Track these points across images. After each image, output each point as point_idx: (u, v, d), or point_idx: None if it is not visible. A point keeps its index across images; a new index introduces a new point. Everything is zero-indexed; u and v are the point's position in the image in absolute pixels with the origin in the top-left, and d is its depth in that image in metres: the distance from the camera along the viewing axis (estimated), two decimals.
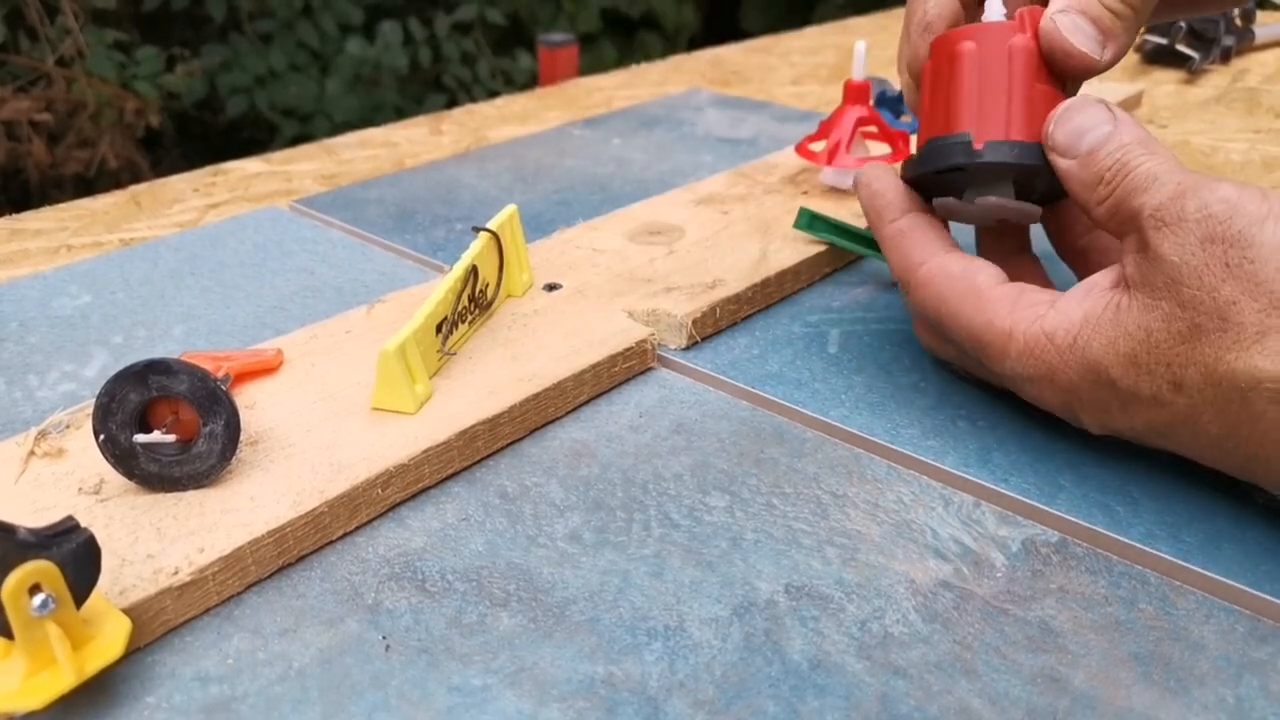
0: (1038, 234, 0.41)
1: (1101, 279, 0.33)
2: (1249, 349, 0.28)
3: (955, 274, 0.35)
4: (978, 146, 0.35)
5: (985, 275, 0.35)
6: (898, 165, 0.40)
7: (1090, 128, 0.33)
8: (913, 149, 0.55)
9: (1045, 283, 0.39)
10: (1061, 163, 0.34)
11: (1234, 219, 0.28)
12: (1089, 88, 0.60)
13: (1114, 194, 0.32)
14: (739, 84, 0.87)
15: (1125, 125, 0.33)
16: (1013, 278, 0.36)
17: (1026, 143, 0.35)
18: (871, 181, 0.39)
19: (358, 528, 0.32)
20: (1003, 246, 0.40)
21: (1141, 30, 0.91)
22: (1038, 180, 0.36)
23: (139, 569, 0.28)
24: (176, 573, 0.28)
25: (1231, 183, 0.29)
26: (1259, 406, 0.28)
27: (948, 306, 0.35)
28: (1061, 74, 0.36)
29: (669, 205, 0.53)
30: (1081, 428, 0.34)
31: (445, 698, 0.26)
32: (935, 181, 0.38)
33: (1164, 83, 0.86)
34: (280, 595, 0.29)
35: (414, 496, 0.33)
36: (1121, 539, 0.31)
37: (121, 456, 0.30)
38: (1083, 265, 0.39)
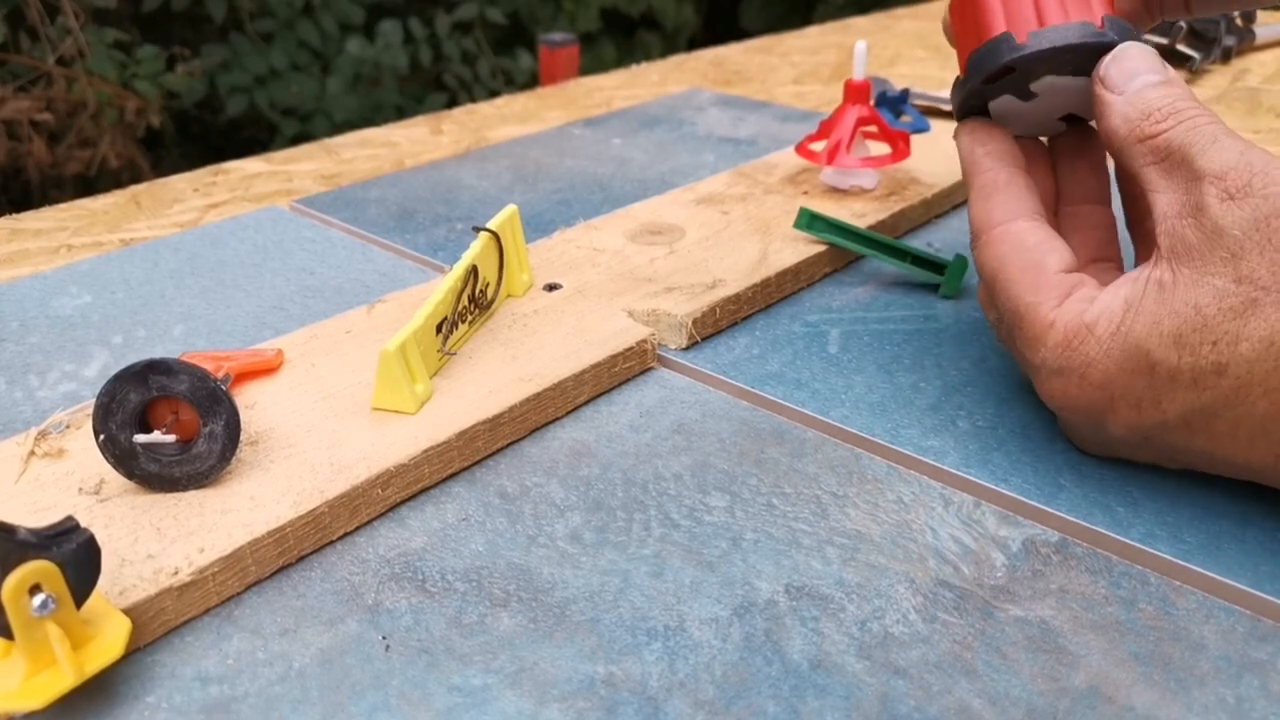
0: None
1: (1141, 268, 0.32)
2: None
3: (1028, 244, 0.34)
4: (1021, 40, 0.35)
5: (1055, 256, 0.34)
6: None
7: (1143, 71, 0.33)
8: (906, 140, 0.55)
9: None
10: (1106, 95, 0.33)
11: None
12: None
13: (1166, 135, 0.31)
14: (739, 84, 0.87)
15: (1177, 80, 0.33)
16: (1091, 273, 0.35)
17: (1070, 23, 0.34)
18: (976, 129, 0.38)
19: (358, 528, 0.32)
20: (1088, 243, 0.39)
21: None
22: (1090, 66, 0.35)
23: (139, 569, 0.28)
24: (176, 573, 0.28)
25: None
26: None
27: (1006, 273, 0.34)
28: None
29: (669, 205, 0.53)
30: (1096, 440, 0.33)
31: (445, 698, 0.26)
32: (987, 97, 0.37)
33: None
34: (280, 595, 0.29)
35: (414, 496, 0.33)
36: (1122, 539, 0.31)
37: (121, 456, 0.30)
38: (1146, 247, 0.37)
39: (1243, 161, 0.29)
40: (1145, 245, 0.37)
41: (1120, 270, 0.38)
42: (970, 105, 0.38)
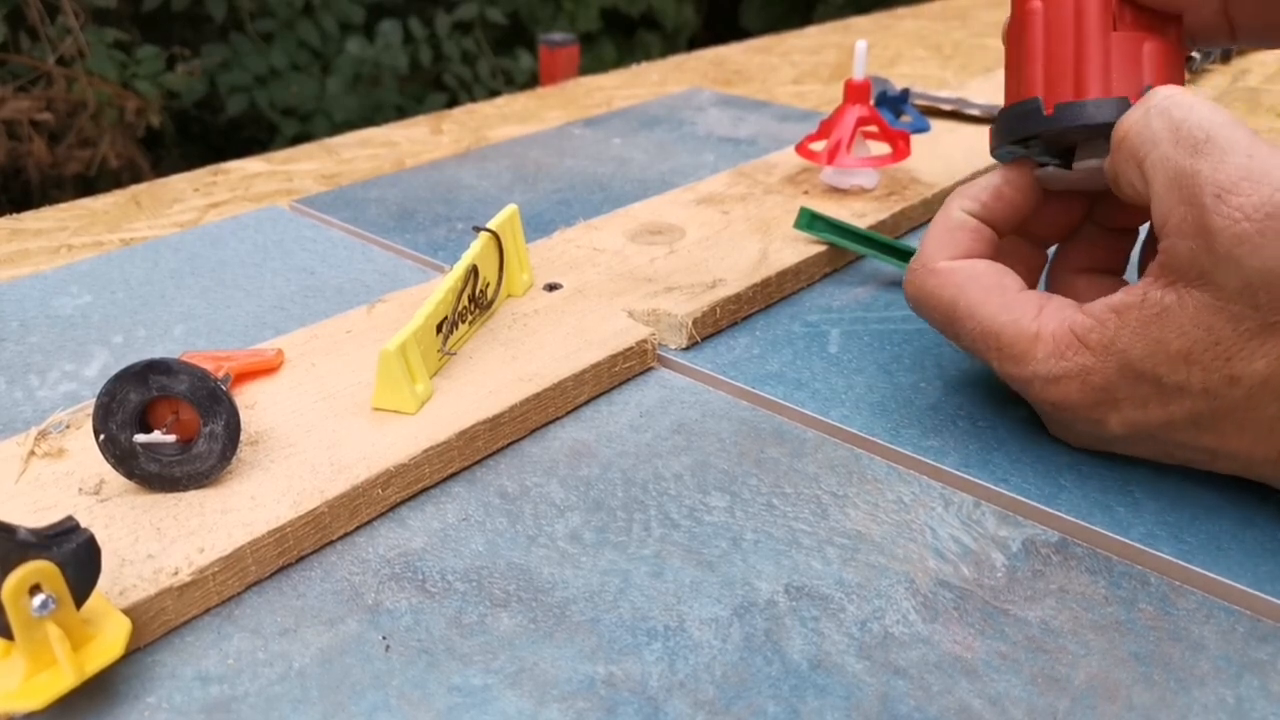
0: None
1: (1142, 285, 0.31)
2: None
3: (980, 271, 0.34)
4: (1048, 112, 0.34)
5: (1012, 279, 0.34)
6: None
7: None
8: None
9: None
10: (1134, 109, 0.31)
11: None
12: None
13: (1144, 116, 0.30)
14: (740, 83, 0.87)
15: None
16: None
17: (1102, 100, 0.33)
18: (1011, 182, 0.36)
19: (358, 528, 0.32)
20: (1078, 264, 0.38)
21: None
22: None
23: (139, 569, 0.28)
24: (177, 573, 0.28)
25: None
26: None
27: (967, 299, 0.34)
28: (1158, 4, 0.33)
29: (669, 205, 0.53)
30: (1091, 435, 0.33)
31: (445, 698, 0.26)
32: (1028, 149, 0.36)
33: None
34: (280, 595, 0.29)
35: (414, 496, 0.33)
36: (1122, 539, 0.31)
37: (122, 456, 0.30)
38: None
39: (1254, 170, 0.27)
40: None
41: (1117, 279, 0.37)
42: (1008, 150, 0.37)
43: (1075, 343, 0.31)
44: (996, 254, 0.36)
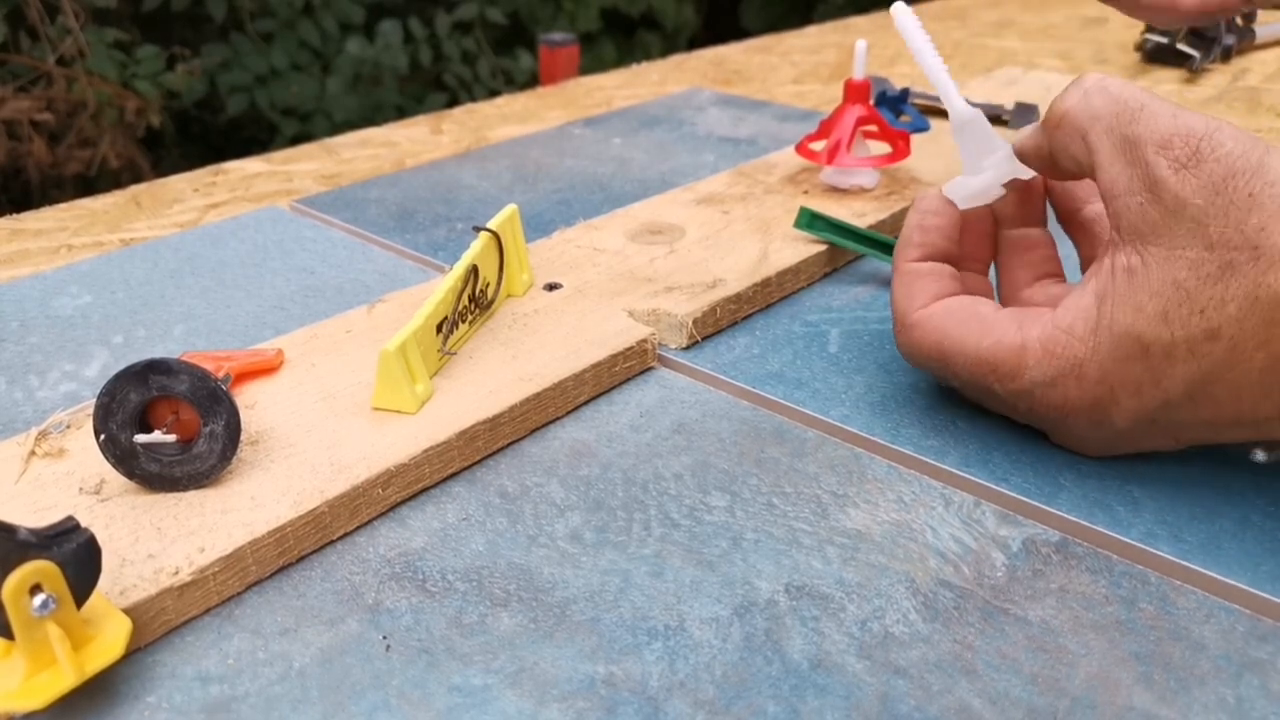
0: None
1: (1101, 259, 0.32)
2: None
3: (954, 307, 0.35)
4: None
5: (986, 305, 0.35)
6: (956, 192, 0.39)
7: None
8: (911, 147, 0.55)
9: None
10: (1060, 98, 0.34)
11: (1249, 152, 0.29)
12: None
13: (1084, 99, 0.32)
14: (740, 83, 0.87)
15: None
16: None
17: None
18: (928, 211, 0.38)
19: (358, 527, 0.32)
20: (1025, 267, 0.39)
21: (1143, 30, 0.92)
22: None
23: (139, 569, 0.28)
24: (177, 573, 0.28)
25: (1216, 120, 0.30)
26: None
27: (950, 338, 0.34)
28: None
29: (669, 205, 0.53)
30: (1099, 439, 0.33)
31: (445, 698, 0.26)
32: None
33: (1165, 82, 0.86)
34: (280, 595, 0.29)
35: (414, 496, 0.33)
36: (1122, 539, 0.31)
37: (122, 456, 0.30)
38: (1086, 237, 0.38)
39: (1183, 127, 0.30)
40: (1085, 236, 0.37)
41: (1064, 282, 0.38)
42: None
43: (1062, 337, 0.32)
44: (963, 287, 0.37)
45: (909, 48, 0.41)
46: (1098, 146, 0.32)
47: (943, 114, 0.69)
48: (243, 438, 0.33)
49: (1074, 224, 0.38)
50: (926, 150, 0.59)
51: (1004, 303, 0.39)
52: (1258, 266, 0.28)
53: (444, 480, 0.34)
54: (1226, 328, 0.29)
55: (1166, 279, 0.30)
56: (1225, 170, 0.29)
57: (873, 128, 0.53)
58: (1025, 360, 0.33)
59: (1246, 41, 0.92)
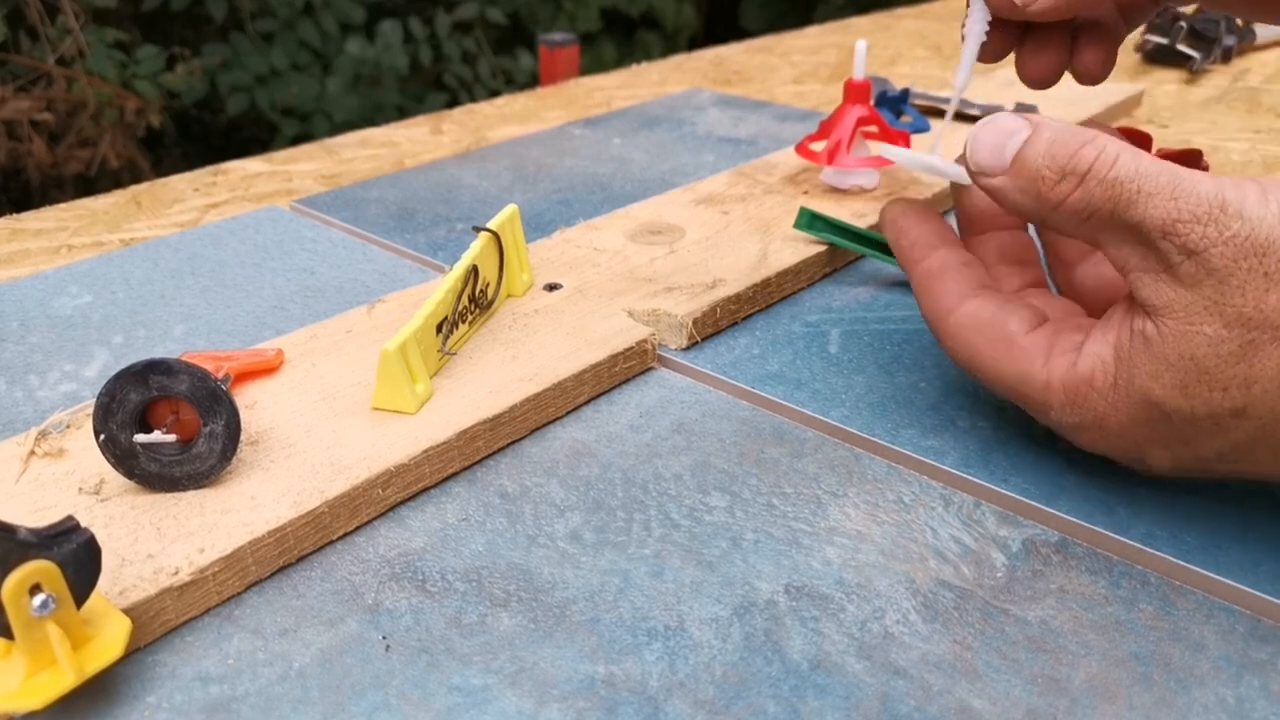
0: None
1: (1119, 305, 0.31)
2: None
3: (984, 321, 0.33)
4: None
5: (1016, 320, 0.33)
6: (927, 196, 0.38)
7: (1010, 133, 0.31)
8: (912, 148, 0.55)
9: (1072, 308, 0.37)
10: (992, 183, 0.31)
11: (1257, 229, 0.27)
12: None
13: (1076, 197, 0.30)
14: (740, 83, 0.87)
15: (1044, 122, 0.31)
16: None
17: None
18: (896, 219, 0.38)
19: (358, 528, 0.32)
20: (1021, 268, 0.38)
21: (1143, 30, 0.92)
22: None
23: (139, 569, 0.28)
24: (177, 573, 0.28)
25: (1223, 184, 0.28)
26: None
27: (980, 358, 0.33)
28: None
29: (669, 205, 0.53)
30: (1152, 474, 0.32)
31: (445, 698, 0.26)
32: None
33: (1165, 82, 0.86)
34: (280, 595, 0.29)
35: (414, 496, 0.33)
36: (1122, 539, 0.31)
37: (122, 456, 0.30)
38: (1072, 292, 0.37)
39: (1183, 211, 0.28)
40: (1071, 292, 0.37)
41: (1046, 286, 0.37)
42: None
43: (1085, 388, 0.31)
44: (984, 269, 0.36)
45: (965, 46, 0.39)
46: (1101, 233, 0.30)
47: (943, 114, 0.69)
48: (243, 438, 0.33)
49: (1063, 279, 0.37)
50: (927, 151, 0.59)
51: (1055, 277, 0.38)
52: None
53: (444, 480, 0.34)
54: (1254, 408, 0.28)
55: (1184, 353, 0.28)
56: (1235, 252, 0.27)
57: (873, 128, 0.53)
58: (1050, 401, 0.32)
59: (1247, 42, 0.92)
